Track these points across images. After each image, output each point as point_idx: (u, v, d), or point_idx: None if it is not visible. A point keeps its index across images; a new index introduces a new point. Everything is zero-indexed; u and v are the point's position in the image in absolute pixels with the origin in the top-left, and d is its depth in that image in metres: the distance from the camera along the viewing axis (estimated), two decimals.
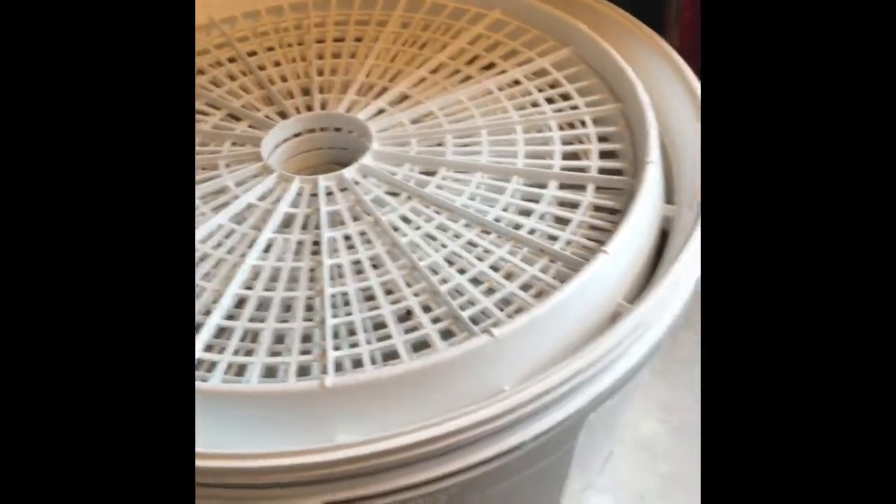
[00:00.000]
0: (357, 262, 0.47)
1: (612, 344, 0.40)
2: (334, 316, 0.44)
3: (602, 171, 0.52)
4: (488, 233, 0.49)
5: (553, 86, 0.58)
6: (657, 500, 0.54)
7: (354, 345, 0.43)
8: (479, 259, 0.47)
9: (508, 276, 0.46)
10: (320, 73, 0.61)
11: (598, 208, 0.50)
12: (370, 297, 0.46)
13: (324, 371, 0.41)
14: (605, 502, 0.54)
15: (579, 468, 0.51)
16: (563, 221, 0.49)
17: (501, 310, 0.44)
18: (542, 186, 0.51)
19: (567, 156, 0.53)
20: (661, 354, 0.57)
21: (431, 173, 0.52)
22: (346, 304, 0.45)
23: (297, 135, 0.58)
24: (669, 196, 0.52)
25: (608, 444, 0.55)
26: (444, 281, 0.46)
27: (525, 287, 0.45)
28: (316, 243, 0.49)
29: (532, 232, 0.48)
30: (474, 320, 0.44)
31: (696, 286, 0.47)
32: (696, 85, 0.54)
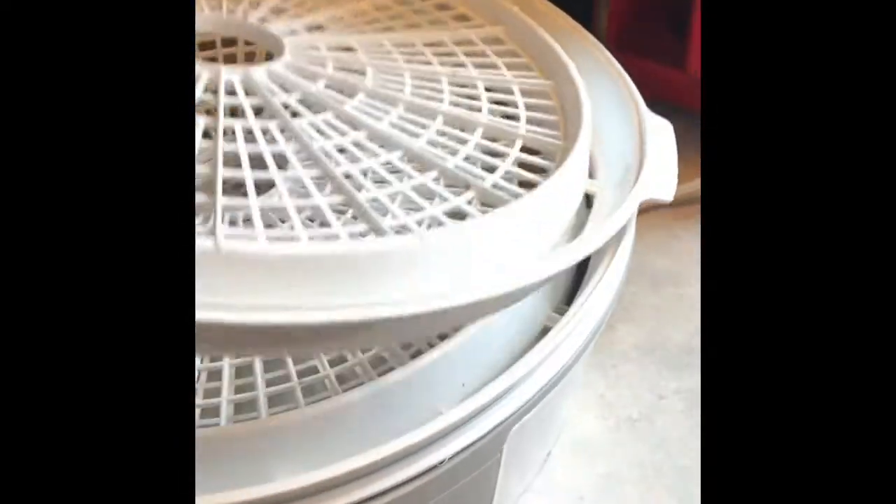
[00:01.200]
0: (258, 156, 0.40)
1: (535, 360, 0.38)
2: None
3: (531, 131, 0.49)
4: (410, 160, 0.43)
5: (480, 55, 0.55)
6: (596, 501, 0.50)
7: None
8: (400, 181, 0.42)
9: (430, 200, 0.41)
10: None
11: (522, 165, 0.46)
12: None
13: None
14: None
15: (516, 473, 0.46)
16: (489, 169, 0.45)
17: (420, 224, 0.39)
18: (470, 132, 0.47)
19: (494, 114, 0.49)
20: (598, 348, 0.54)
21: (349, 96, 0.47)
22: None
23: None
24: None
25: (545, 447, 0.51)
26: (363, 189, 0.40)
27: (450, 214, 0.41)
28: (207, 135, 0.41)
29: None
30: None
31: (619, 286, 0.45)
32: (625, 76, 0.53)
